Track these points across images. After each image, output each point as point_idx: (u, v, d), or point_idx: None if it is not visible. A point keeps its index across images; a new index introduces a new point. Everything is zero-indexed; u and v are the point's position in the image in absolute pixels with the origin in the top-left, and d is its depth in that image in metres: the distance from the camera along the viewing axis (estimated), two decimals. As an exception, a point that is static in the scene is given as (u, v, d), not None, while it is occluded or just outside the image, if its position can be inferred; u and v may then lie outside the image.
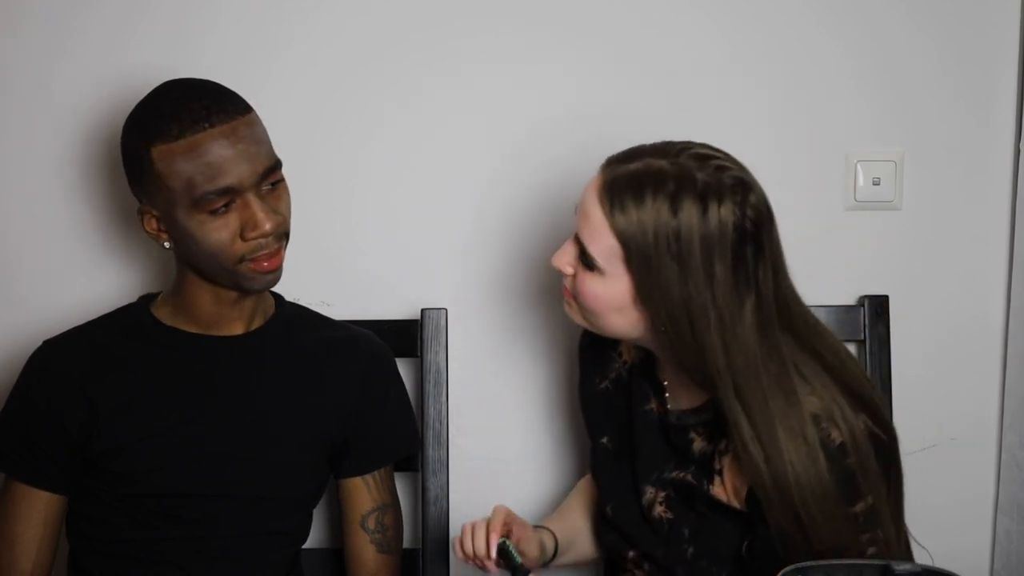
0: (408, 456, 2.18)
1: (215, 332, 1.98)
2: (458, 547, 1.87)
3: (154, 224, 1.92)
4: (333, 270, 2.27)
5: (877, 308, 2.25)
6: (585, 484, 2.12)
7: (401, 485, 2.17)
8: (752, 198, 1.75)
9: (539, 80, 2.24)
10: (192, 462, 1.95)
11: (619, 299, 1.78)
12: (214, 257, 1.89)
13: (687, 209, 1.72)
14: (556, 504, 2.33)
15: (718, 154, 1.78)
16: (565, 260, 1.83)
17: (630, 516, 1.93)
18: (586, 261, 1.79)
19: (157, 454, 1.94)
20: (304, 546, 2.09)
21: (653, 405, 1.93)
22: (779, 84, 2.26)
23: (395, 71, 2.23)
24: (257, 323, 2.01)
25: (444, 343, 2.23)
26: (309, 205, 2.17)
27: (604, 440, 2.00)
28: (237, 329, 1.99)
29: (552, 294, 2.28)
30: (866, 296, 2.27)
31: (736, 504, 1.83)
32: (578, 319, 1.86)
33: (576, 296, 1.82)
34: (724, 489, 1.84)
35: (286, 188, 1.93)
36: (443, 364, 2.22)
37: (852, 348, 2.29)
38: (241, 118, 1.87)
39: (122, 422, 1.94)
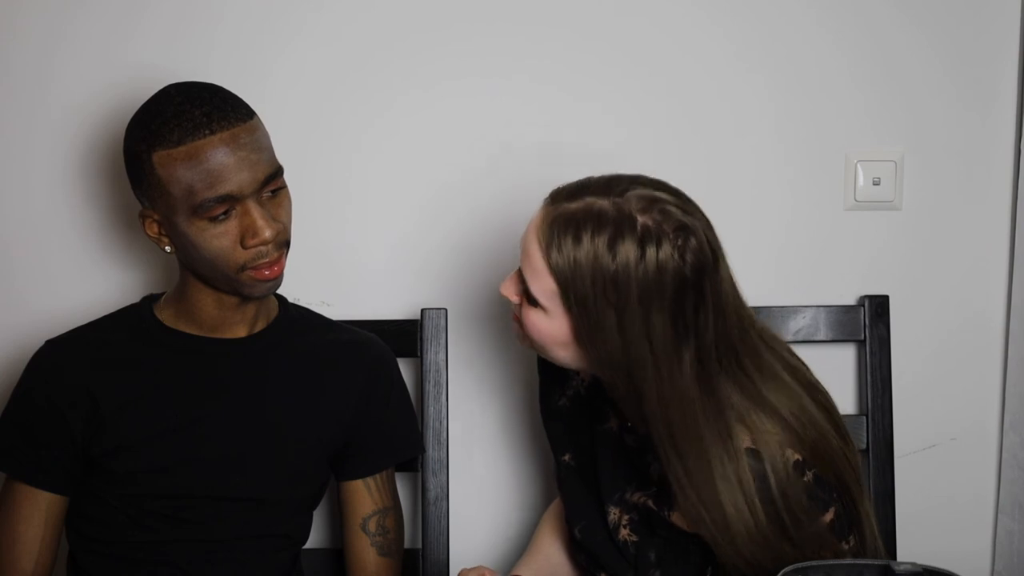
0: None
1: (218, 335, 1.98)
2: None
3: (155, 228, 1.92)
4: (333, 270, 2.27)
5: (877, 308, 2.26)
6: (555, 508, 2.10)
7: (401, 485, 2.17)
8: (693, 243, 1.69)
9: (539, 80, 2.24)
10: (194, 464, 1.95)
11: (561, 336, 1.75)
12: (214, 264, 1.88)
13: (625, 255, 1.67)
14: (556, 504, 2.33)
15: (663, 196, 1.72)
16: (511, 290, 1.80)
17: (597, 538, 1.90)
18: (528, 296, 1.76)
19: (159, 455, 1.94)
20: (304, 546, 2.09)
21: (612, 424, 1.91)
22: (779, 84, 2.26)
23: (396, 71, 2.23)
24: (260, 326, 2.01)
25: (444, 343, 2.23)
26: (309, 205, 2.17)
27: (566, 458, 1.97)
28: (240, 332, 1.99)
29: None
30: (866, 296, 2.27)
31: (696, 531, 1.79)
32: (525, 345, 1.83)
33: (522, 326, 1.79)
34: (680, 517, 1.81)
35: (288, 195, 1.92)
36: (443, 364, 2.22)
37: (852, 348, 2.29)
38: (242, 125, 1.87)
39: (124, 423, 1.94)
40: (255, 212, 1.86)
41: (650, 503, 1.84)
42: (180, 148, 1.84)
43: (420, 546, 2.22)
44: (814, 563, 1.68)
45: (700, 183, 2.26)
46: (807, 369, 1.85)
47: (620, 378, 1.73)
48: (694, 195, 2.26)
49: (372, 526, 2.06)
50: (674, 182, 2.26)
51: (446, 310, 2.23)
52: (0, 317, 2.25)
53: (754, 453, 1.72)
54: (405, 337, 2.22)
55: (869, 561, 1.66)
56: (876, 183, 2.27)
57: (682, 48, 2.24)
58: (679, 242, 1.68)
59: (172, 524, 1.96)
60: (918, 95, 2.26)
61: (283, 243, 1.91)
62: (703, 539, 1.78)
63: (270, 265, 1.89)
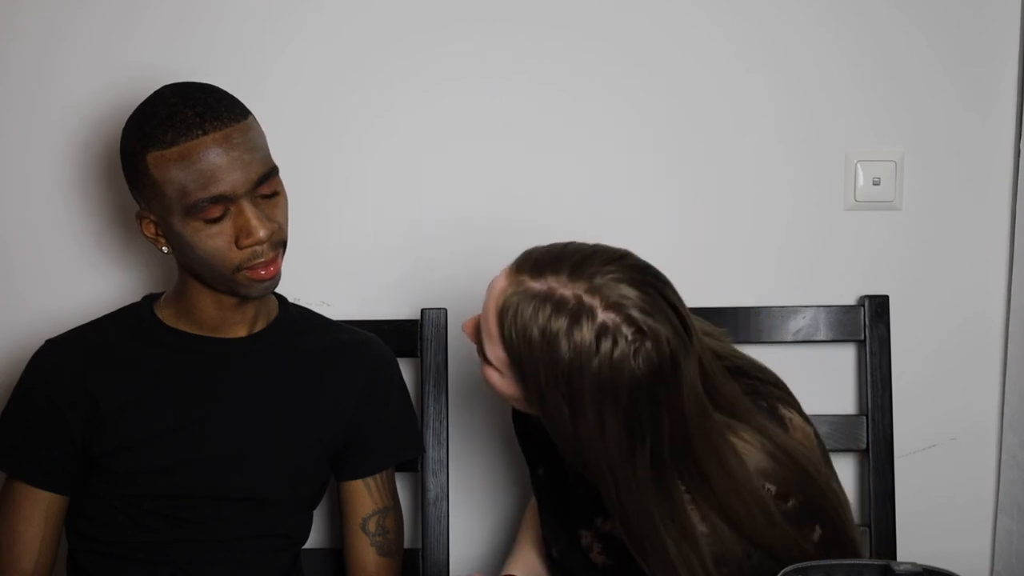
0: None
1: (218, 335, 1.98)
2: None
3: (152, 229, 1.92)
4: (333, 270, 2.27)
5: (877, 308, 2.25)
6: (533, 506, 2.06)
7: (401, 485, 2.17)
8: (649, 347, 1.60)
9: (539, 80, 2.24)
10: (194, 464, 1.95)
11: (516, 396, 1.70)
12: (210, 265, 1.88)
13: (578, 348, 1.60)
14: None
15: (630, 294, 1.61)
16: (470, 331, 1.73)
17: (575, 560, 1.87)
18: (482, 353, 1.70)
19: (159, 455, 1.94)
20: (304, 546, 2.09)
21: None
22: (779, 84, 2.26)
23: (396, 71, 2.23)
24: (260, 326, 2.01)
25: (444, 343, 2.23)
26: (309, 205, 2.17)
27: (540, 471, 1.93)
28: (240, 332, 1.99)
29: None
30: (866, 296, 2.27)
31: None
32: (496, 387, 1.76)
33: (481, 370, 1.74)
34: None
35: (283, 195, 1.92)
36: (443, 364, 2.22)
37: (852, 348, 2.29)
38: (235, 125, 1.86)
39: (124, 422, 1.94)
40: (249, 212, 1.86)
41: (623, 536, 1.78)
42: (173, 149, 1.84)
43: (420, 546, 2.22)
44: (814, 563, 1.67)
45: (700, 183, 2.28)
46: (789, 424, 1.76)
47: (574, 458, 1.68)
48: (694, 195, 2.28)
49: (372, 526, 2.06)
50: (674, 182, 2.28)
51: (446, 310, 2.23)
52: (0, 317, 2.25)
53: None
54: (405, 337, 2.22)
55: (869, 561, 1.66)
56: (876, 183, 2.27)
57: (682, 48, 2.24)
58: (636, 345, 1.60)
59: (172, 524, 1.95)
60: (918, 95, 2.26)
61: (279, 243, 1.90)
62: None
63: (266, 265, 1.89)
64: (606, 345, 1.59)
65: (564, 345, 1.60)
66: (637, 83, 2.25)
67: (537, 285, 1.63)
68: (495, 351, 1.67)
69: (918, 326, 2.29)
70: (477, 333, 1.72)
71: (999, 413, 2.32)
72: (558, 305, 1.61)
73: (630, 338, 1.60)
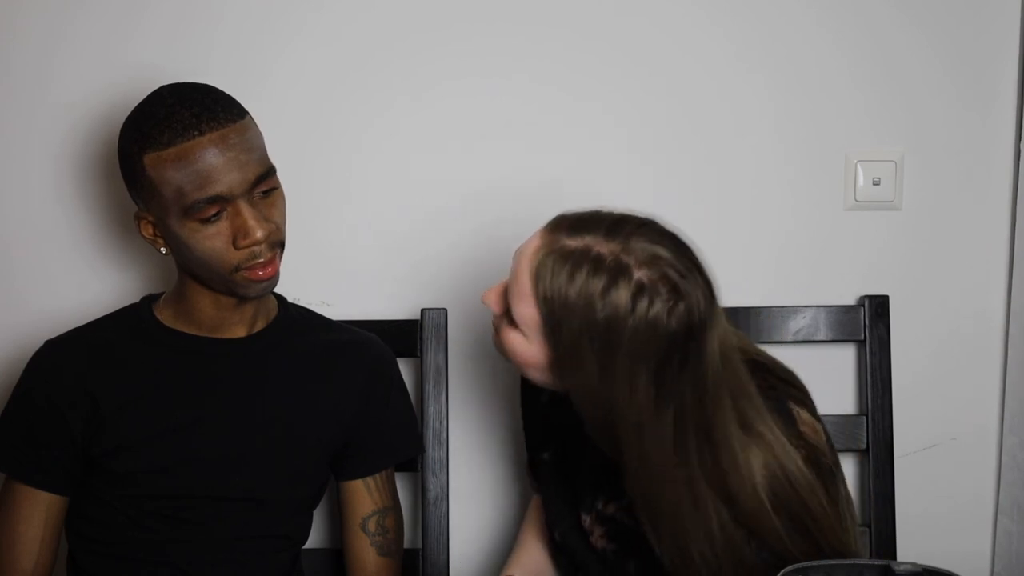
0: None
1: (217, 335, 1.98)
2: None
3: (150, 230, 1.92)
4: (333, 270, 2.27)
5: (877, 308, 2.25)
6: (536, 503, 2.07)
7: (401, 485, 2.17)
8: (682, 308, 1.63)
9: (539, 80, 2.24)
10: (193, 464, 1.95)
11: (537, 362, 1.70)
12: (208, 265, 1.88)
13: (615, 305, 1.62)
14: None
15: (664, 254, 1.65)
16: (493, 299, 1.74)
17: (576, 543, 1.88)
18: (508, 316, 1.72)
19: (159, 455, 1.94)
20: (304, 546, 2.09)
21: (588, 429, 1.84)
22: (779, 84, 2.26)
23: (395, 71, 2.23)
24: (259, 326, 2.01)
25: (444, 343, 2.23)
26: (309, 205, 2.17)
27: (546, 456, 1.94)
28: (239, 332, 1.99)
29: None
30: (866, 296, 2.27)
31: None
32: (501, 354, 1.77)
33: (500, 339, 1.75)
34: None
35: (281, 195, 1.92)
36: (443, 364, 2.22)
37: (852, 348, 2.29)
38: (232, 125, 1.86)
39: (124, 422, 1.94)
40: (246, 212, 1.86)
41: (626, 519, 1.81)
42: (170, 150, 1.84)
43: (420, 546, 2.22)
44: (814, 563, 1.68)
45: (700, 183, 2.28)
46: (793, 430, 1.76)
47: (597, 420, 1.69)
48: (694, 195, 2.28)
49: (372, 526, 2.06)
50: (674, 182, 2.28)
51: (446, 310, 2.23)
52: (0, 317, 2.25)
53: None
54: (405, 337, 2.22)
55: (869, 561, 1.66)
56: (876, 183, 2.27)
57: (682, 48, 2.24)
58: (670, 305, 1.62)
59: (172, 524, 1.95)
60: (918, 95, 2.26)
61: (276, 243, 1.90)
62: None
63: (264, 266, 1.89)
64: (642, 304, 1.62)
65: (600, 302, 1.63)
66: (637, 83, 2.25)
67: (573, 243, 1.65)
68: (526, 311, 1.67)
69: (918, 326, 2.29)
70: (502, 300, 1.73)
71: (999, 413, 2.32)
72: (595, 262, 1.63)
73: (665, 297, 1.62)
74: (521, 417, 2.01)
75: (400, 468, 2.15)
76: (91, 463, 1.96)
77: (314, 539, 2.13)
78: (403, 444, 2.11)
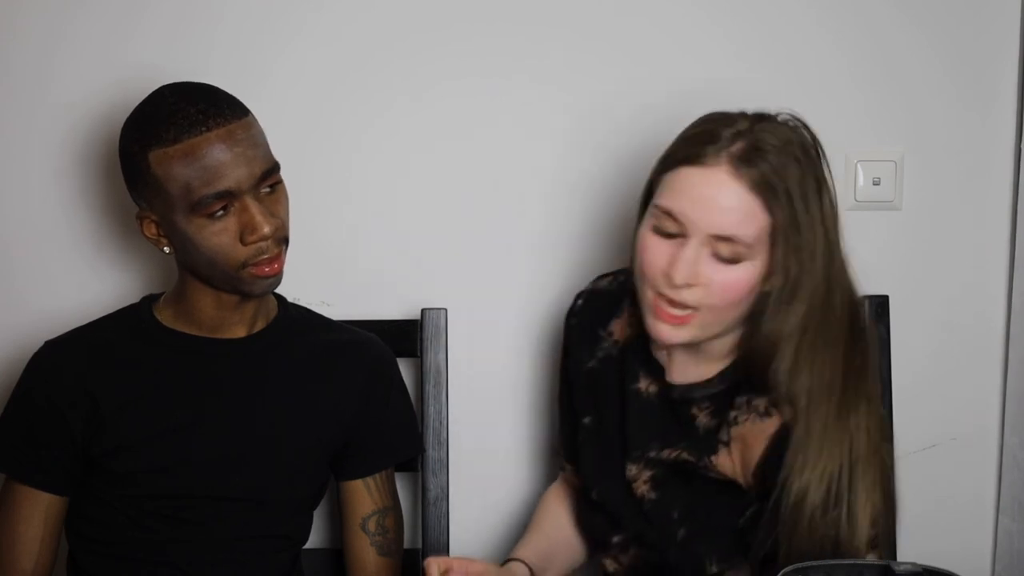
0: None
1: (217, 335, 1.98)
2: None
3: (153, 229, 1.92)
4: (333, 270, 2.27)
5: (877, 308, 2.25)
6: (555, 489, 2.12)
7: (401, 485, 2.17)
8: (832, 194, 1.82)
9: (539, 80, 2.24)
10: (193, 464, 1.95)
11: (750, 284, 1.77)
12: (214, 262, 1.88)
13: (812, 174, 1.77)
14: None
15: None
16: (688, 271, 1.76)
17: (616, 497, 1.92)
18: (724, 255, 1.75)
19: (158, 456, 1.94)
20: (304, 546, 2.09)
21: (642, 385, 1.92)
22: (779, 84, 2.26)
23: (395, 71, 2.23)
24: (259, 326, 2.01)
25: (444, 343, 2.23)
26: (309, 205, 2.17)
27: (587, 420, 1.99)
28: (239, 332, 1.99)
29: (552, 294, 2.28)
30: (866, 296, 2.26)
31: (740, 478, 1.83)
32: (684, 337, 1.80)
33: (701, 306, 1.77)
34: (731, 459, 1.84)
35: (285, 192, 1.92)
36: (443, 364, 2.22)
37: (852, 348, 2.29)
38: (238, 121, 1.87)
39: (124, 423, 1.94)
40: (253, 208, 1.86)
41: (685, 455, 1.86)
42: (177, 146, 1.84)
43: (420, 546, 2.22)
44: (814, 563, 1.68)
45: (700, 183, 2.27)
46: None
47: (784, 292, 1.77)
48: (694, 195, 2.28)
49: (372, 526, 2.06)
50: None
51: (446, 310, 2.23)
52: (0, 317, 2.25)
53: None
54: (405, 337, 2.22)
55: (869, 561, 1.66)
56: (876, 183, 2.27)
57: (682, 48, 2.24)
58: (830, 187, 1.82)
59: (172, 524, 1.96)
60: (918, 95, 2.26)
61: (282, 239, 1.91)
62: (740, 488, 1.83)
63: (270, 262, 1.89)
64: (824, 165, 1.80)
65: (801, 173, 1.76)
66: (637, 83, 2.25)
67: (765, 138, 1.76)
68: (751, 225, 1.74)
69: (918, 326, 2.29)
70: (700, 255, 1.75)
71: (1000, 413, 2.32)
72: (799, 142, 1.78)
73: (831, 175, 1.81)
74: (562, 386, 2.04)
75: (400, 468, 2.15)
76: (91, 463, 1.96)
77: (314, 539, 2.13)
78: (403, 444, 2.12)
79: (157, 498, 1.95)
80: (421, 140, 2.25)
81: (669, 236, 1.77)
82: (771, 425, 1.82)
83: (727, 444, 1.84)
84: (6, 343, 2.24)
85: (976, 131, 2.27)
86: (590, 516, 1.99)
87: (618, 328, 1.97)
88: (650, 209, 1.80)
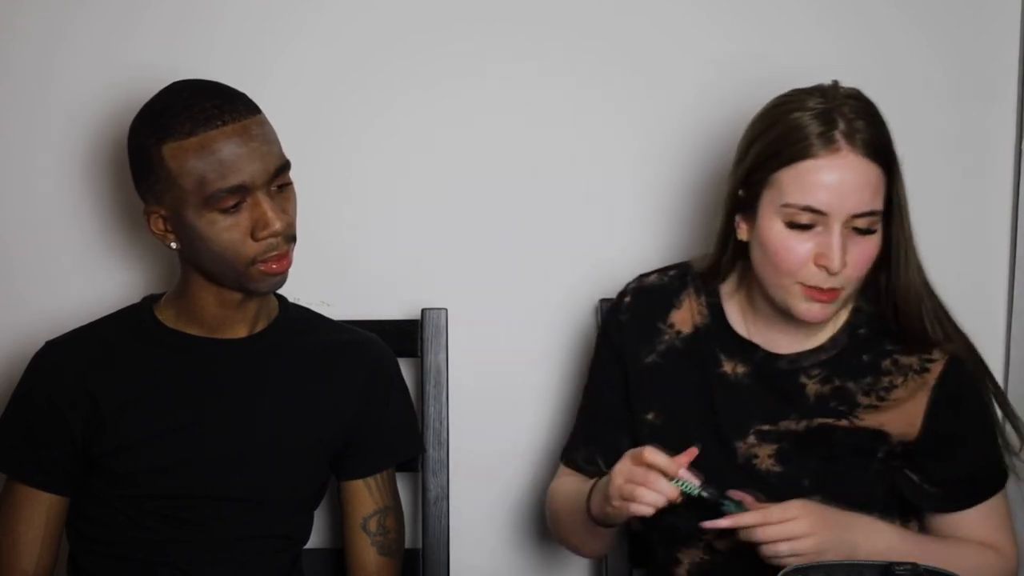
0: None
1: (218, 335, 1.98)
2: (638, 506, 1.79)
3: (161, 224, 1.92)
4: (333, 270, 2.27)
5: (877, 308, 2.25)
6: (571, 483, 2.05)
7: (401, 485, 2.17)
8: None
9: (539, 80, 2.24)
10: (194, 464, 1.95)
11: (879, 246, 1.86)
12: (224, 257, 1.89)
13: (881, 117, 1.89)
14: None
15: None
16: (843, 256, 1.82)
17: (728, 480, 1.88)
18: (864, 230, 1.83)
19: (159, 456, 1.94)
20: (304, 546, 2.09)
21: (727, 367, 1.95)
22: (779, 84, 2.25)
23: (396, 71, 2.23)
24: (261, 326, 2.01)
25: (444, 343, 2.23)
26: (309, 205, 2.16)
27: (650, 416, 1.99)
28: (241, 332, 1.99)
29: (551, 294, 2.28)
30: (866, 296, 2.26)
31: (899, 430, 1.88)
32: (831, 312, 1.87)
33: (846, 284, 1.84)
34: (885, 416, 1.89)
35: (294, 191, 1.93)
36: (443, 364, 2.22)
37: (852, 348, 2.29)
38: (252, 117, 1.88)
39: (124, 423, 1.94)
40: (265, 204, 1.87)
41: (820, 422, 1.89)
42: (192, 139, 1.85)
43: (420, 546, 2.22)
44: (814, 563, 1.68)
45: (701, 183, 2.28)
46: None
47: (903, 247, 1.88)
48: (695, 194, 2.28)
49: (372, 526, 2.06)
50: (675, 181, 2.28)
51: (446, 310, 2.23)
52: (0, 317, 2.25)
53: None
54: (405, 337, 2.22)
55: (869, 561, 1.66)
56: (876, 183, 2.27)
57: (682, 48, 2.24)
58: None
59: (172, 524, 1.95)
60: (918, 95, 2.26)
61: (291, 237, 1.91)
62: (874, 454, 1.89)
63: (279, 259, 1.90)
64: None
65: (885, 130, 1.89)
66: (638, 84, 2.25)
67: (861, 105, 1.87)
68: (878, 197, 1.83)
69: (918, 326, 2.29)
70: (846, 241, 1.82)
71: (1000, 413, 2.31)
72: (863, 96, 1.90)
73: None
74: (619, 386, 2.02)
75: (400, 468, 2.15)
76: (91, 463, 1.96)
77: (314, 539, 2.13)
78: (403, 444, 2.11)
79: (157, 498, 1.95)
80: (421, 140, 2.25)
81: (805, 228, 1.83)
82: (931, 377, 1.90)
83: (876, 408, 1.89)
84: (6, 343, 2.24)
85: (976, 131, 2.27)
86: (671, 515, 1.90)
87: (680, 319, 2.00)
88: (775, 208, 1.84)
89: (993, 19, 2.25)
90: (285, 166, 1.90)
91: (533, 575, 2.35)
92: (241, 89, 1.93)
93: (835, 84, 1.90)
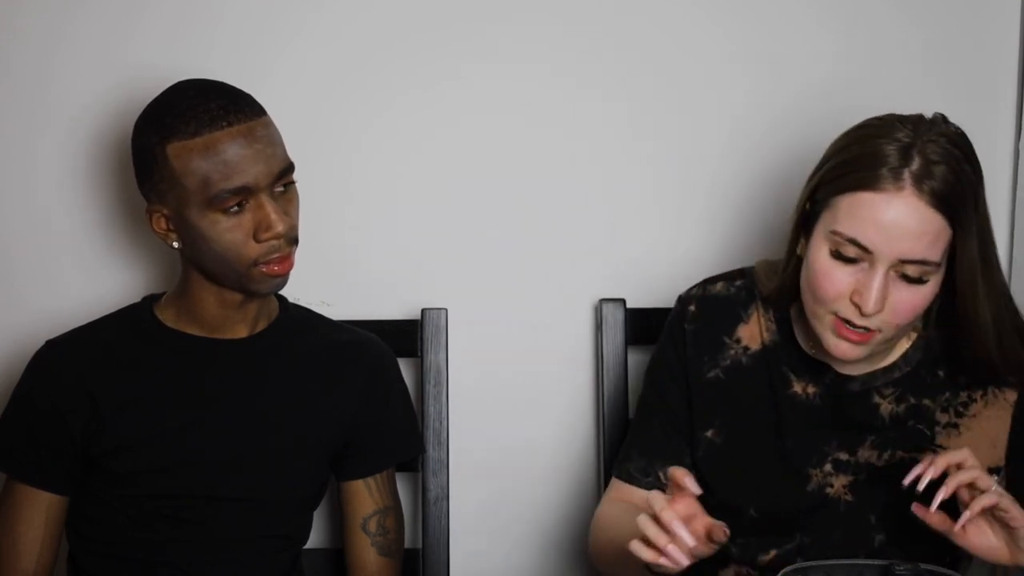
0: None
1: (219, 335, 1.98)
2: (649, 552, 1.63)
3: (163, 224, 1.92)
4: (333, 270, 2.27)
5: (877, 308, 2.25)
6: (622, 515, 1.87)
7: (401, 485, 2.17)
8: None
9: (540, 80, 2.24)
10: (194, 464, 1.95)
11: (934, 294, 1.75)
12: (225, 258, 1.89)
13: (976, 168, 1.76)
14: (557, 505, 2.33)
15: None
16: (881, 299, 1.72)
17: (797, 507, 1.85)
18: (915, 278, 1.72)
19: (159, 456, 1.94)
20: (304, 546, 2.09)
21: (798, 388, 1.88)
22: (779, 84, 2.26)
23: (396, 71, 2.23)
24: (261, 326, 2.01)
25: (444, 343, 2.23)
26: (310, 205, 2.16)
27: (709, 433, 1.90)
28: (241, 332, 1.99)
29: (551, 294, 2.28)
30: (866, 296, 2.26)
31: (983, 456, 1.78)
32: (864, 353, 1.78)
33: (885, 326, 1.74)
34: (963, 440, 1.82)
35: (296, 193, 1.93)
36: (443, 364, 2.22)
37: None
38: (257, 119, 1.88)
39: (124, 423, 1.94)
40: (269, 206, 1.87)
41: (900, 453, 1.83)
42: (197, 139, 1.85)
43: (420, 546, 2.22)
44: (814, 563, 1.68)
45: (700, 183, 2.28)
46: None
47: (967, 288, 1.76)
48: (693, 195, 2.29)
49: (372, 526, 2.06)
50: (674, 181, 2.29)
51: (446, 310, 2.23)
52: (0, 317, 2.25)
53: None
54: (405, 337, 2.22)
55: (869, 561, 1.66)
56: (876, 183, 2.26)
57: (682, 48, 2.24)
58: None
59: (172, 524, 1.96)
60: (918, 95, 2.25)
61: (293, 239, 1.91)
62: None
63: (280, 260, 1.90)
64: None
65: (971, 172, 1.75)
66: (638, 84, 2.25)
67: (940, 147, 1.73)
68: (938, 245, 1.72)
69: (918, 326, 2.29)
70: (888, 283, 1.72)
71: (999, 413, 2.32)
72: (958, 159, 1.74)
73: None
74: (676, 399, 1.93)
75: (400, 468, 2.15)
76: (91, 463, 1.96)
77: (314, 539, 2.13)
78: (403, 444, 2.11)
79: (157, 498, 1.95)
80: (421, 140, 2.25)
81: (849, 261, 1.73)
82: (1011, 394, 1.84)
83: (955, 427, 1.83)
84: (6, 343, 2.24)
85: (976, 131, 2.26)
86: (743, 533, 1.86)
87: (747, 334, 1.92)
88: (825, 233, 1.75)
89: (993, 19, 2.25)
90: (289, 168, 1.90)
91: (533, 575, 2.35)
92: (242, 89, 1.94)
93: (936, 119, 1.78)
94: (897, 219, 1.70)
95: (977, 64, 2.26)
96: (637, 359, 2.21)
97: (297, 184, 1.95)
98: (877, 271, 1.72)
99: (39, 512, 1.98)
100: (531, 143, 2.25)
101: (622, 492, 1.96)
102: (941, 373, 1.85)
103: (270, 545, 2.01)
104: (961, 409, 1.85)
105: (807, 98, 2.26)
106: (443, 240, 2.27)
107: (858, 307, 1.73)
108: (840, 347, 1.77)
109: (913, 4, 2.24)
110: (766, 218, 2.28)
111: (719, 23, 2.24)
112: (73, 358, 1.98)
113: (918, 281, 1.73)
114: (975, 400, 1.85)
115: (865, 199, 1.72)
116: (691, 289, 1.97)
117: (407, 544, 2.14)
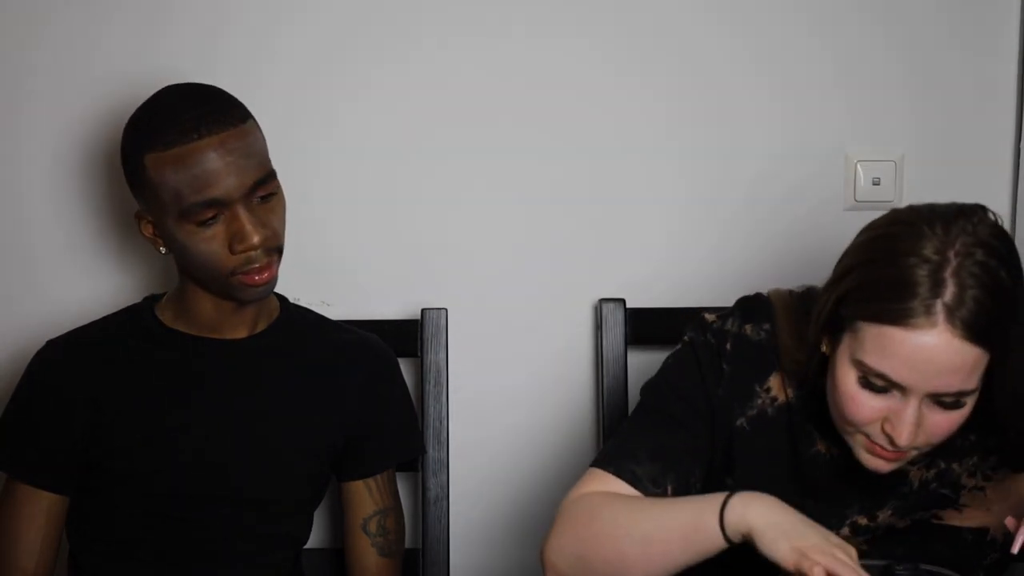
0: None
1: (219, 335, 1.98)
2: None
3: (150, 230, 1.93)
4: (333, 270, 2.26)
5: (877, 308, 2.24)
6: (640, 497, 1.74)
7: (401, 485, 2.17)
8: None
9: (541, 80, 2.24)
10: (194, 464, 1.95)
11: (967, 413, 1.62)
12: (205, 268, 1.89)
13: (1016, 276, 1.59)
14: (557, 504, 2.33)
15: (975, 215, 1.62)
16: (915, 431, 1.60)
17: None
18: (947, 403, 1.59)
19: (159, 455, 1.94)
20: (304, 546, 2.09)
21: (821, 447, 1.75)
22: (780, 84, 2.26)
23: (395, 71, 2.23)
24: (261, 326, 2.01)
25: (444, 343, 2.23)
26: (309, 206, 2.17)
27: (728, 481, 1.76)
28: (240, 333, 1.99)
29: (551, 294, 2.28)
30: (866, 296, 2.26)
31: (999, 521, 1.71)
32: (892, 468, 1.66)
33: (919, 446, 1.63)
34: (982, 507, 1.75)
35: (281, 201, 1.92)
36: (443, 364, 2.22)
37: (852, 348, 2.28)
38: (233, 129, 1.86)
39: (125, 423, 1.94)
40: (243, 218, 1.86)
41: (919, 516, 1.75)
42: (170, 151, 1.84)
43: (420, 546, 2.22)
44: (814, 565, 1.67)
45: (700, 183, 2.28)
46: None
47: (1002, 389, 1.63)
48: (695, 195, 2.28)
49: (373, 526, 2.06)
50: (674, 182, 2.28)
51: (446, 310, 2.23)
52: (0, 317, 2.25)
53: None
54: (405, 337, 2.22)
55: (869, 562, 1.66)
56: (876, 183, 2.27)
57: (682, 48, 2.24)
58: None
59: (172, 524, 1.96)
60: (918, 95, 2.26)
61: (274, 249, 1.90)
62: (976, 542, 1.74)
63: (260, 271, 1.89)
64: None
65: (1013, 291, 1.58)
66: (638, 84, 2.25)
67: (976, 263, 1.56)
68: (975, 375, 1.58)
69: (918, 326, 2.29)
70: (920, 414, 1.60)
71: (999, 413, 2.32)
72: (996, 244, 1.60)
73: None
74: (687, 416, 1.76)
75: (400, 468, 2.15)
76: (92, 462, 1.96)
77: (314, 539, 2.13)
78: (404, 444, 2.11)
79: (157, 497, 1.95)
80: (422, 139, 2.25)
81: (879, 390, 1.60)
82: None
83: (981, 489, 1.74)
84: (6, 343, 2.24)
85: (976, 131, 2.27)
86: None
87: (776, 385, 1.76)
88: (852, 359, 1.61)
89: (993, 19, 2.25)
90: (267, 178, 1.89)
91: (533, 575, 2.35)
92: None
93: (969, 212, 1.62)
94: (931, 358, 1.56)
95: (977, 63, 2.26)
96: (637, 359, 2.21)
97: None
98: (910, 404, 1.60)
99: (40, 511, 1.98)
100: (531, 143, 2.25)
101: (612, 488, 1.76)
102: (973, 437, 1.74)
103: (271, 545, 2.01)
104: (988, 472, 1.76)
105: (808, 97, 2.26)
106: (443, 240, 2.27)
107: (890, 437, 1.62)
108: (874, 463, 1.66)
109: (913, 4, 2.24)
110: (767, 218, 2.28)
111: (719, 23, 2.24)
112: (74, 358, 1.98)
113: (954, 406, 1.61)
114: (1001, 469, 1.76)
115: (895, 336, 1.56)
116: (719, 321, 1.79)
117: (407, 544, 2.14)
